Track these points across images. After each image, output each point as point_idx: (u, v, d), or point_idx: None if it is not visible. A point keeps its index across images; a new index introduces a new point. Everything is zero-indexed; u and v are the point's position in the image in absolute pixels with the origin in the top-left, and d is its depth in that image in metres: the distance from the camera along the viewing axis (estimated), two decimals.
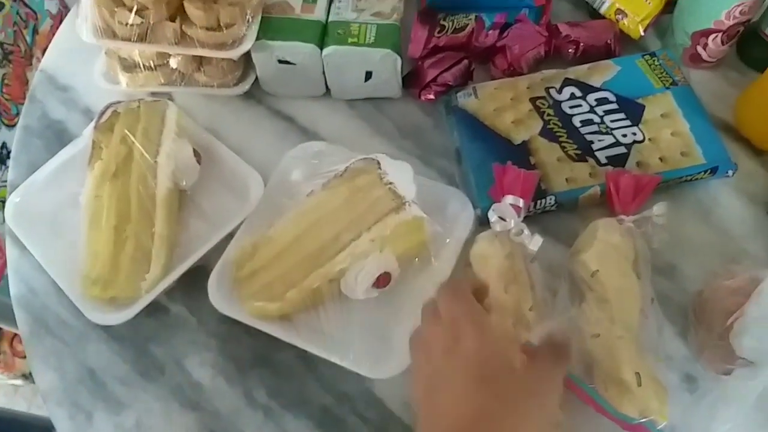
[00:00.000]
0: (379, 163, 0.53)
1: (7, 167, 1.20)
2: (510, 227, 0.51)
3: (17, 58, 1.28)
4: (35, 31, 1.34)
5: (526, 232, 0.51)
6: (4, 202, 1.19)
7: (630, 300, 0.49)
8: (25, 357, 1.23)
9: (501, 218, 0.51)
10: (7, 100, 1.25)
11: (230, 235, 0.56)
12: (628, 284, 0.49)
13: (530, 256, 0.52)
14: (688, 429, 0.47)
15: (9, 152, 1.21)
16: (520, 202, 0.51)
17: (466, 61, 0.63)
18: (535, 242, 0.51)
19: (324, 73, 0.63)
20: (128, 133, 0.57)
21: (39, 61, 1.32)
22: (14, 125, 1.23)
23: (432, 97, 0.63)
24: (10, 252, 0.60)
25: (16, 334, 1.20)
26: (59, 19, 1.38)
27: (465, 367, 0.38)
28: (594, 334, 0.49)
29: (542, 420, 0.38)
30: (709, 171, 0.57)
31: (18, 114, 1.25)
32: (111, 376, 0.53)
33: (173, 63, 0.64)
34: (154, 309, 0.54)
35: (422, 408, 0.40)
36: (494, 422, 0.36)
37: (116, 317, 0.52)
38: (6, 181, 1.18)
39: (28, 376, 1.22)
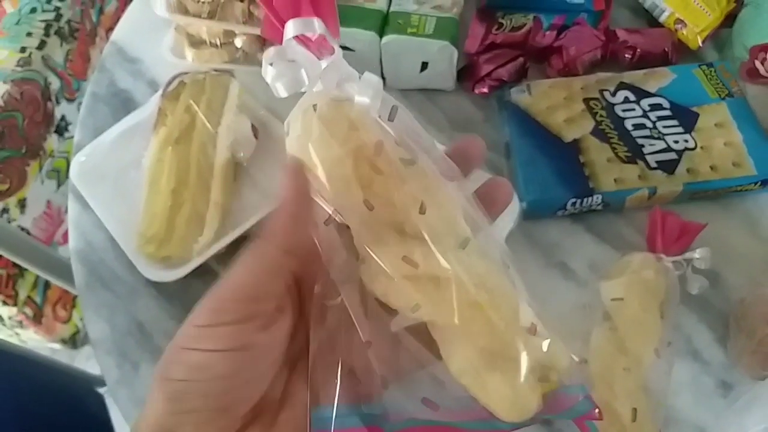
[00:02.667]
0: None
1: (64, 138, 1.26)
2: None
3: (82, 36, 1.34)
4: (101, 11, 1.39)
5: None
6: (59, 172, 1.24)
7: (646, 336, 0.49)
8: (65, 322, 1.28)
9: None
10: (69, 75, 1.30)
11: None
12: (649, 320, 0.49)
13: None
14: (721, 429, 0.47)
15: (68, 125, 1.27)
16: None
17: (521, 59, 0.64)
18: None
19: (381, 61, 0.65)
20: (193, 102, 0.59)
21: (102, 40, 1.38)
22: (74, 100, 1.29)
23: (486, 90, 0.64)
24: (72, 208, 0.63)
25: (59, 300, 1.25)
26: (125, 2, 1.43)
27: None
28: (598, 357, 0.49)
29: None
30: (759, 183, 0.57)
31: (79, 89, 1.31)
32: (158, 330, 0.56)
33: (238, 42, 0.67)
34: (203, 271, 0.57)
35: None
36: None
37: (168, 275, 0.55)
38: (64, 152, 1.24)
39: (67, 341, 1.27)
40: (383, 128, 0.29)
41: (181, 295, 0.57)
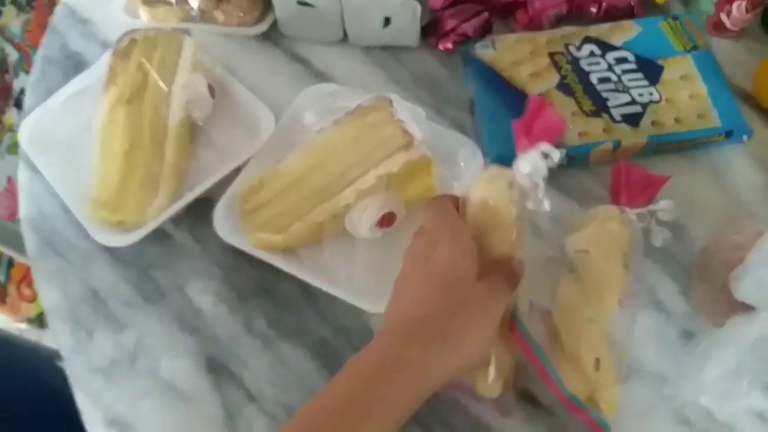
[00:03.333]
0: (390, 101, 0.53)
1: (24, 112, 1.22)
2: (537, 176, 0.48)
3: (40, 5, 1.29)
4: None
5: (541, 192, 0.48)
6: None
7: (610, 286, 0.48)
8: (31, 302, 1.25)
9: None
10: (28, 46, 1.26)
11: (239, 169, 0.56)
12: (612, 270, 0.49)
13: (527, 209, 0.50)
14: (681, 375, 0.47)
15: None
16: (556, 155, 0.48)
17: (486, 14, 0.63)
18: (540, 204, 0.49)
19: (342, 17, 0.63)
20: (145, 60, 0.57)
21: None
22: None
23: (450, 46, 0.63)
24: (23, 174, 0.60)
25: (23, 278, 1.22)
26: None
27: (432, 273, 0.42)
28: (564, 308, 0.49)
29: (485, 326, 0.42)
30: (724, 134, 0.57)
31: None
32: (113, 296, 0.54)
33: (194, 0, 0.64)
34: (160, 236, 0.55)
35: (388, 306, 0.44)
36: (443, 320, 0.41)
37: (122, 239, 0.53)
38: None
39: (33, 320, 1.25)
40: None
41: (137, 260, 0.55)
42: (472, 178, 0.53)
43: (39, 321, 1.24)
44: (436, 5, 0.65)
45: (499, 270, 0.44)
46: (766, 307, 0.42)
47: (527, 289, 0.48)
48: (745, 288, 0.42)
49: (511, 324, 0.46)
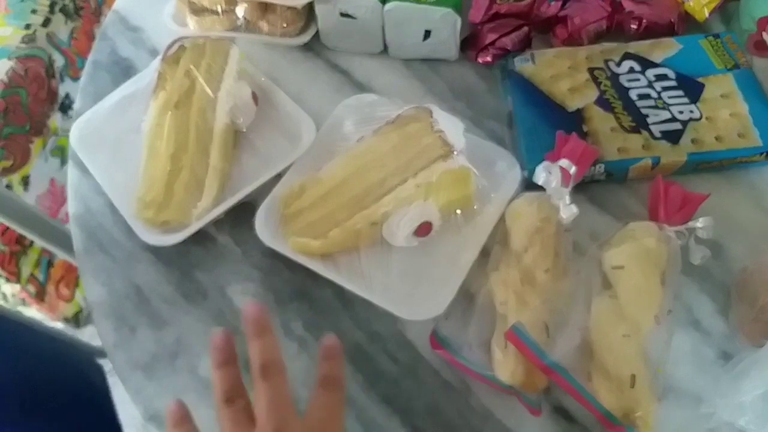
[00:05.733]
0: (431, 111, 0.54)
1: (68, 116, 1.26)
2: (552, 186, 0.51)
3: (87, 14, 1.33)
4: None
5: (566, 198, 0.51)
6: (63, 150, 1.24)
7: (646, 303, 0.48)
8: (68, 301, 1.28)
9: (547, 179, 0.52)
10: (74, 53, 1.30)
11: (280, 176, 0.57)
12: (649, 287, 0.49)
13: (566, 226, 0.52)
14: (718, 396, 0.46)
15: (72, 103, 1.26)
16: (572, 169, 0.51)
17: (525, 28, 0.64)
18: (567, 210, 0.51)
19: (383, 29, 0.64)
20: (192, 67, 0.59)
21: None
22: (78, 78, 1.28)
23: (489, 59, 0.64)
24: (72, 173, 0.63)
25: (62, 278, 1.25)
26: None
27: None
28: (599, 324, 0.49)
29: None
30: (764, 154, 0.56)
31: (83, 67, 1.31)
32: (156, 295, 0.55)
33: (240, 10, 0.66)
34: (202, 237, 0.57)
35: None
36: None
37: (166, 239, 0.55)
38: (68, 130, 1.24)
39: (69, 320, 1.27)
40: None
41: (179, 259, 0.56)
42: (507, 195, 0.54)
43: (75, 320, 1.27)
44: (475, 19, 0.66)
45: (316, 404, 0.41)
46: None
47: (559, 305, 0.49)
48: None
49: (525, 349, 0.46)
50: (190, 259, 0.57)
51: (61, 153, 1.23)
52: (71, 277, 1.27)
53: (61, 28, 1.27)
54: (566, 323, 0.49)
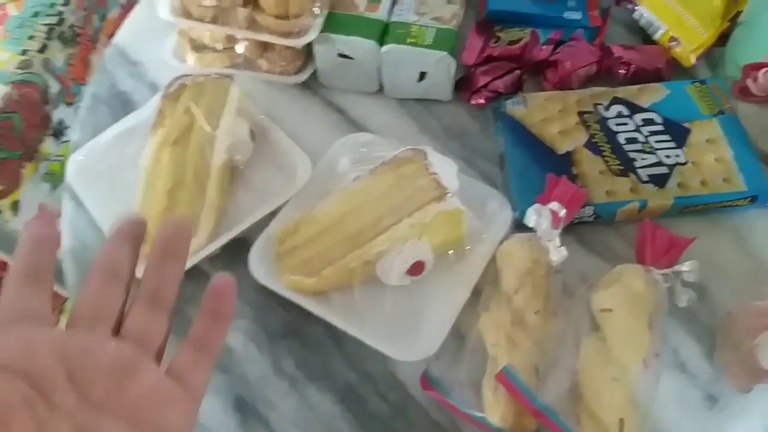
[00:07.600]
0: (426, 153, 0.55)
1: (60, 141, 1.26)
2: (542, 228, 0.52)
3: (84, 41, 1.35)
4: (104, 18, 1.40)
5: (556, 241, 0.53)
6: (53, 175, 1.24)
7: (634, 346, 0.49)
8: None
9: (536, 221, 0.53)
10: (70, 79, 1.31)
11: (275, 212, 0.58)
12: (637, 330, 0.49)
13: (555, 268, 0.53)
14: None
15: (65, 128, 1.27)
16: (562, 212, 0.53)
17: (518, 72, 0.65)
18: (557, 253, 0.52)
19: (380, 69, 0.66)
20: (192, 104, 0.60)
21: (104, 46, 1.39)
22: (73, 104, 1.29)
23: (482, 101, 0.65)
24: (67, 207, 0.63)
25: (53, 309, 1.24)
26: (127, 9, 1.44)
27: None
28: (587, 367, 0.49)
29: None
30: (749, 199, 0.58)
31: (78, 94, 1.31)
32: None
33: (240, 47, 0.68)
34: (196, 273, 0.57)
35: None
36: None
37: None
38: (60, 156, 1.24)
39: None
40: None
41: None
42: (499, 236, 0.56)
43: None
44: (469, 61, 0.67)
45: None
46: None
47: (549, 347, 0.50)
48: None
49: (515, 392, 0.47)
50: (182, 295, 0.56)
51: (51, 178, 1.23)
52: (55, 303, 1.26)
53: (57, 54, 1.27)
54: (556, 364, 0.50)
